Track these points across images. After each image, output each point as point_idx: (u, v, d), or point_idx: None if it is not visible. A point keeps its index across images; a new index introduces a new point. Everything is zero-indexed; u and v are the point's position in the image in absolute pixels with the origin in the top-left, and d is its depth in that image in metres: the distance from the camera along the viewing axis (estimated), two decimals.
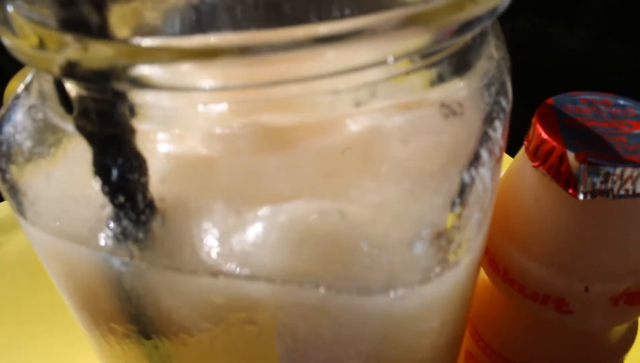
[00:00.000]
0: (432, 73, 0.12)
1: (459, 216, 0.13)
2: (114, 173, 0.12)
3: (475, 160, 0.13)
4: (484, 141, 0.13)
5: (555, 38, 0.61)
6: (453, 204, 0.13)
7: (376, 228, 0.12)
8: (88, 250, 0.14)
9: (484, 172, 0.13)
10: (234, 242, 0.13)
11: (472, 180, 0.13)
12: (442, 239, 0.13)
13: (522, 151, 0.21)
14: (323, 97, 0.11)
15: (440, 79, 0.13)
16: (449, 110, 0.13)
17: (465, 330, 0.26)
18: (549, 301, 0.21)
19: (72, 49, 0.10)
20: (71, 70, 0.10)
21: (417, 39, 0.11)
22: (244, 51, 0.10)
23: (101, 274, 0.14)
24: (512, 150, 0.22)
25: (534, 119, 0.21)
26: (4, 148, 0.15)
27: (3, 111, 0.16)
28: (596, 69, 0.60)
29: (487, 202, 0.14)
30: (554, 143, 0.19)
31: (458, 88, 0.13)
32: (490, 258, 0.22)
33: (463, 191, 0.13)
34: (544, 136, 0.20)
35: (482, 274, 0.24)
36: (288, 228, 0.12)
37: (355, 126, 0.12)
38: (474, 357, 0.27)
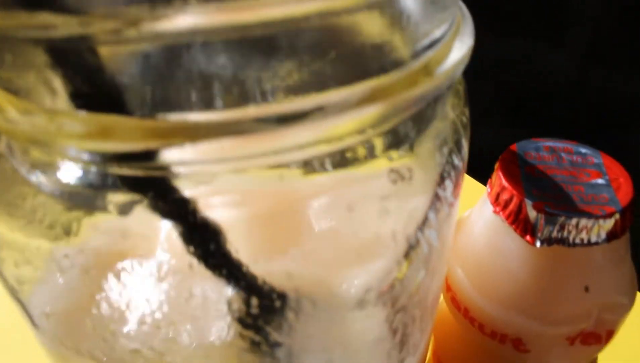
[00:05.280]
0: (382, 141, 0.13)
1: (404, 275, 0.13)
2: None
3: (422, 223, 0.14)
4: (433, 202, 0.14)
5: (540, 60, 0.62)
6: (398, 265, 0.13)
7: (323, 289, 0.12)
8: None
9: (429, 233, 0.14)
10: None
11: (418, 242, 0.14)
12: (386, 296, 0.13)
13: (485, 195, 0.22)
14: (277, 170, 0.12)
15: (391, 146, 0.13)
16: (398, 175, 0.13)
17: None
18: (507, 340, 0.22)
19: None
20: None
21: (373, 114, 0.11)
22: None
23: None
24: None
25: (496, 165, 0.21)
26: None
27: None
28: (579, 91, 0.62)
29: (435, 258, 0.15)
30: (514, 192, 0.20)
31: (408, 152, 0.14)
32: (452, 296, 0.23)
33: (408, 253, 0.13)
34: (505, 183, 0.20)
35: (447, 307, 0.25)
36: None
37: (303, 193, 0.12)
38: None
